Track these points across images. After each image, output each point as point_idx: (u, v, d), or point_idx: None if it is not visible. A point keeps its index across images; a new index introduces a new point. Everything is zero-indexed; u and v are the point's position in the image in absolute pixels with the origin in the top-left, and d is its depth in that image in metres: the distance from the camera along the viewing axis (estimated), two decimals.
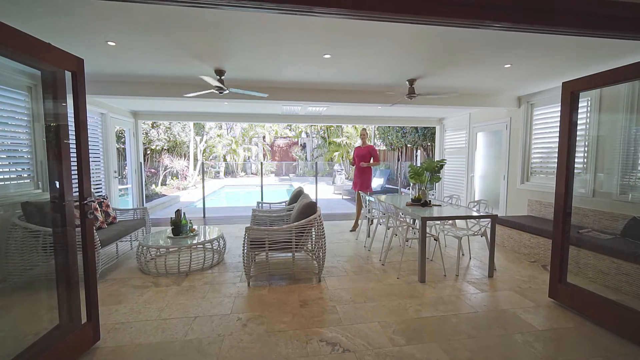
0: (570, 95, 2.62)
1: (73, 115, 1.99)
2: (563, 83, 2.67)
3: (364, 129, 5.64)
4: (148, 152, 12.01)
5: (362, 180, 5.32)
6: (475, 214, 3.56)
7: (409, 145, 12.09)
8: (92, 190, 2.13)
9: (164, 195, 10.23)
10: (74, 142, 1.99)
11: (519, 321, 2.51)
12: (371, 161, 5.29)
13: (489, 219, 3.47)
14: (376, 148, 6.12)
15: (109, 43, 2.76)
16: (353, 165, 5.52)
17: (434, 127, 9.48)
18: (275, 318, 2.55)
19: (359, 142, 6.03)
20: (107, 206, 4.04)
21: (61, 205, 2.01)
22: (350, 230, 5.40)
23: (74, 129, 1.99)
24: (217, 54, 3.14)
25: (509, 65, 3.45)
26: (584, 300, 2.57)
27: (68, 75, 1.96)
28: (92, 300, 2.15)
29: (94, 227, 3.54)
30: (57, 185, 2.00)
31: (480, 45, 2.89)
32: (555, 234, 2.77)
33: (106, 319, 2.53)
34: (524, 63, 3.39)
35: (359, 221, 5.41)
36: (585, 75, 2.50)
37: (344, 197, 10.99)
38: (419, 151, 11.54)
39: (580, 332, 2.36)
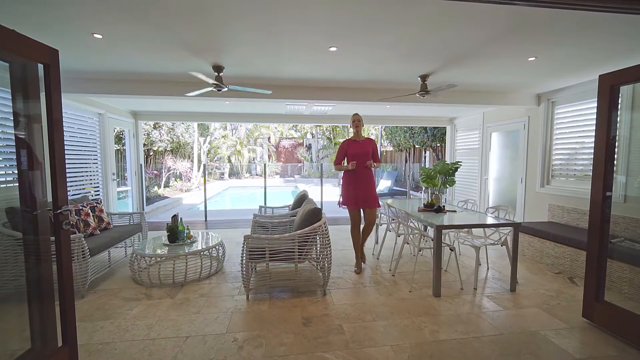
0: (609, 90, 2.30)
1: (46, 114, 1.76)
2: (600, 76, 2.36)
3: (357, 115, 3.56)
4: (151, 154, 11.87)
5: (368, 192, 3.50)
6: (494, 221, 3.25)
7: (417, 146, 11.76)
8: (68, 197, 1.89)
9: (166, 197, 10.06)
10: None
11: (551, 347, 2.20)
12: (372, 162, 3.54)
13: (510, 227, 3.16)
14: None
15: (95, 35, 2.53)
16: (340, 168, 3.60)
17: (444, 127, 9.16)
18: (275, 339, 2.29)
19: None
20: (101, 211, 3.83)
21: (33, 215, 1.78)
22: (357, 272, 3.58)
23: (47, 128, 1.76)
24: (214, 47, 2.90)
25: (534, 58, 3.14)
26: (626, 322, 2.25)
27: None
28: (69, 321, 1.92)
29: (84, 234, 3.33)
30: (28, 192, 1.77)
31: (504, 35, 2.60)
32: (590, 245, 2.46)
33: (89, 337, 2.30)
34: (550, 55, 3.07)
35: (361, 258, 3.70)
36: (630, 66, 2.18)
37: None
38: (427, 152, 11.20)
39: None
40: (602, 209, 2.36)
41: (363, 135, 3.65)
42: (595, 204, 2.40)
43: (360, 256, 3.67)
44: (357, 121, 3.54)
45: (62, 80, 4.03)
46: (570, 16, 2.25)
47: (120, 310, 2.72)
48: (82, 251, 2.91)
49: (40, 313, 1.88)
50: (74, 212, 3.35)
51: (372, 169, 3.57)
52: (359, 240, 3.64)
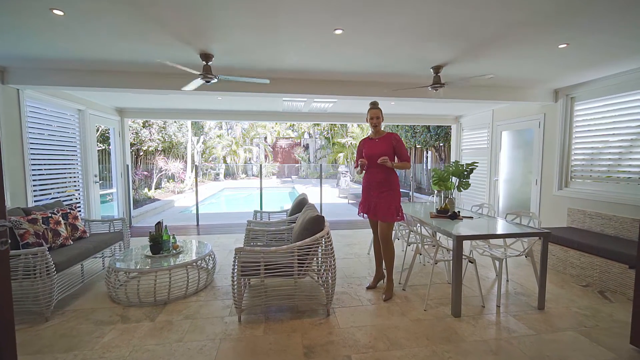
0: None
1: None
2: None
3: (375, 107, 2.97)
4: (140, 154, 11.38)
5: (378, 200, 2.90)
6: (519, 229, 2.89)
7: (418, 146, 11.41)
8: (6, 209, 1.49)
9: (157, 199, 9.60)
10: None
11: None
12: (396, 161, 2.95)
13: (536, 237, 2.81)
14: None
15: (55, 12, 2.12)
16: (360, 172, 3.08)
17: (448, 126, 8.82)
18: None
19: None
20: (75, 218, 3.41)
21: None
22: (366, 288, 3.16)
23: None
24: (201, 31, 2.50)
25: (565, 45, 2.77)
26: None
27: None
28: None
29: (52, 246, 2.92)
30: None
31: (538, 18, 2.23)
32: None
33: None
34: (584, 41, 2.70)
35: (382, 273, 3.18)
36: None
37: (350, 201, 10.33)
38: (429, 152, 10.86)
39: None
40: None
41: (383, 131, 3.02)
42: None
43: (378, 272, 3.23)
44: (375, 118, 2.92)
45: (29, 71, 3.59)
46: None
47: (89, 337, 2.31)
48: (47, 267, 2.50)
49: None
50: (40, 221, 2.93)
51: (396, 169, 2.90)
52: (378, 252, 3.17)
